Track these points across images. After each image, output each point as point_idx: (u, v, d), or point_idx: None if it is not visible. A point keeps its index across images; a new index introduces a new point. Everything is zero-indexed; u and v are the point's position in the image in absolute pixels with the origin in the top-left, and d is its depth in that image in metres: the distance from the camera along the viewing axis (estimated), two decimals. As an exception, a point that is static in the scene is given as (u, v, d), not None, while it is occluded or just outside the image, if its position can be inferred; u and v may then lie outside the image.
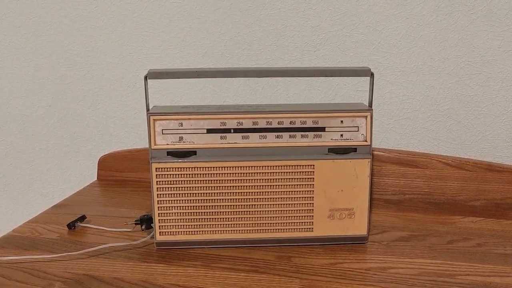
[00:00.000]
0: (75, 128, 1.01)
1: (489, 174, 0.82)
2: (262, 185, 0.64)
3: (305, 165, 0.64)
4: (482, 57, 0.83)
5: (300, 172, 0.64)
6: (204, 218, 0.65)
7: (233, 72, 0.62)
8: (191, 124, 0.63)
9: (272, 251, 0.65)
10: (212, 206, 0.64)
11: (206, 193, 0.64)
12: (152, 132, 0.63)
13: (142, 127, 0.98)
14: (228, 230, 0.65)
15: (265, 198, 0.64)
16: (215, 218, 0.65)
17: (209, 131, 0.63)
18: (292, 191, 0.64)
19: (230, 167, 0.63)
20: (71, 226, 0.72)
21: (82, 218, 0.74)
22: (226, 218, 0.65)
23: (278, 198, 0.64)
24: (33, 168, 1.04)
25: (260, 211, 0.65)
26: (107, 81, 0.97)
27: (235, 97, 0.92)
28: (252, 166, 0.63)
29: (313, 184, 0.64)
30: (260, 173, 0.64)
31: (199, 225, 0.65)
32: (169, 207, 0.64)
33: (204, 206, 0.64)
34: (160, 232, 0.65)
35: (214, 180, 0.64)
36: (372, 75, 0.63)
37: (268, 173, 0.64)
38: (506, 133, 0.85)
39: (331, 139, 0.64)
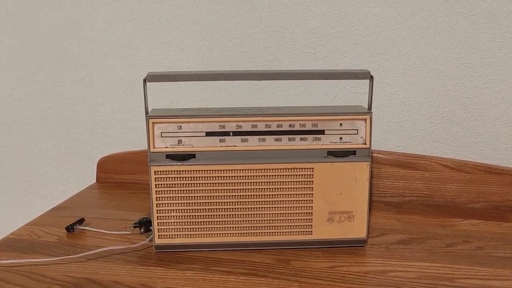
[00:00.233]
0: (74, 130, 1.00)
1: (489, 176, 0.82)
2: (261, 188, 0.64)
3: (304, 168, 0.63)
4: (481, 59, 0.83)
5: (299, 175, 0.64)
6: (203, 221, 0.65)
7: (232, 75, 0.62)
8: (190, 127, 0.63)
9: (271, 255, 0.64)
10: (211, 209, 0.64)
11: (205, 196, 0.64)
12: (151, 135, 0.63)
13: (141, 129, 0.97)
14: (227, 233, 0.65)
15: (264, 201, 0.64)
16: (214, 221, 0.65)
17: (208, 134, 0.63)
18: (291, 194, 0.64)
19: (229, 170, 0.63)
20: (70, 229, 0.72)
21: (81, 221, 0.74)
22: (225, 221, 0.65)
23: (277, 201, 0.64)
24: (32, 170, 1.04)
25: (259, 214, 0.64)
26: (106, 83, 0.97)
27: (234, 99, 0.92)
28: (251, 169, 0.63)
29: (312, 187, 0.64)
30: (259, 176, 0.63)
31: (198, 228, 0.65)
32: (168, 210, 0.64)
33: (203, 209, 0.64)
34: (159, 235, 0.65)
35: (213, 183, 0.63)
36: (371, 78, 0.63)
37: (267, 176, 0.63)
38: (505, 135, 0.85)
39: (331, 142, 0.64)
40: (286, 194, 0.64)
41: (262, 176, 0.63)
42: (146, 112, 0.63)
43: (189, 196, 0.64)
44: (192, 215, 0.64)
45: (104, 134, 0.99)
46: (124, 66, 0.95)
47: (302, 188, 0.64)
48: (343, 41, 0.86)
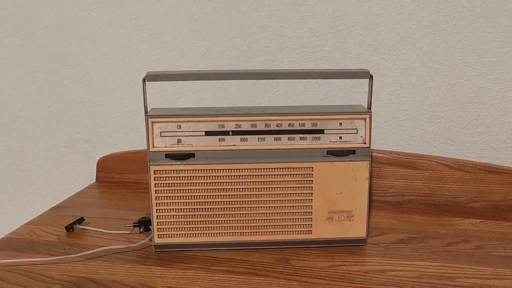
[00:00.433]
0: (74, 129, 1.00)
1: (489, 175, 0.82)
2: (261, 188, 0.64)
3: (304, 168, 0.63)
4: (481, 58, 0.83)
5: (298, 174, 0.64)
6: (203, 221, 0.64)
7: (232, 74, 0.62)
8: (189, 127, 0.63)
9: (270, 254, 0.64)
10: (211, 208, 0.64)
11: (205, 195, 0.64)
12: (151, 134, 0.63)
13: (141, 128, 0.97)
14: (227, 233, 0.65)
15: (264, 201, 0.64)
16: (214, 221, 0.65)
17: (208, 133, 0.63)
18: (290, 194, 0.64)
19: (228, 169, 0.63)
20: (69, 228, 0.72)
21: (81, 220, 0.74)
22: (224, 220, 0.65)
23: (277, 200, 0.64)
24: (31, 169, 1.04)
25: (258, 213, 0.64)
26: (106, 83, 0.97)
27: (233, 98, 0.92)
28: (250, 169, 0.63)
29: (312, 187, 0.64)
30: (258, 175, 0.63)
31: (198, 227, 0.65)
32: (168, 209, 0.64)
33: (202, 208, 0.64)
34: (158, 235, 0.65)
35: (212, 182, 0.63)
36: (371, 77, 0.62)
37: (266, 175, 0.63)
38: (505, 134, 0.85)
39: (330, 141, 0.64)
40: (285, 194, 0.64)
41: (261, 175, 0.63)
42: (146, 112, 0.63)
43: (188, 196, 0.64)
44: (192, 215, 0.64)
45: (104, 133, 0.99)
46: (124, 66, 0.95)
47: (301, 187, 0.64)
48: (342, 40, 0.86)
